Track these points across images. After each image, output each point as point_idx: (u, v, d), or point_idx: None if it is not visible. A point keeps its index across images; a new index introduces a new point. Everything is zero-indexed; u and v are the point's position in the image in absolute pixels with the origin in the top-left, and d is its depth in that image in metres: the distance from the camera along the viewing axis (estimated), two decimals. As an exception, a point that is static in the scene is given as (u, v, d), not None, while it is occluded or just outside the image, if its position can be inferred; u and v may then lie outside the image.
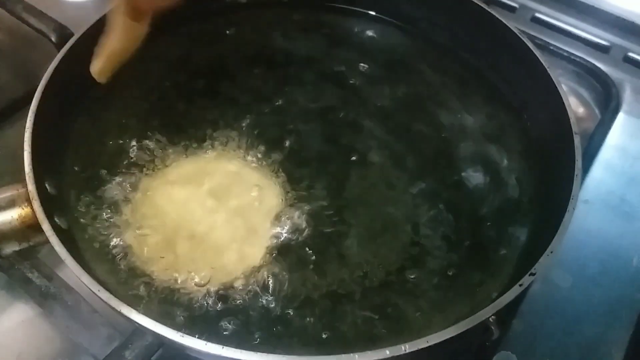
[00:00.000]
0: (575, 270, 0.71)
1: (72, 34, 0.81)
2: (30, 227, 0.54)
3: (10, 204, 0.55)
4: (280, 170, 0.66)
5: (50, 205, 0.56)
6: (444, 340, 0.48)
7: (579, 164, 0.59)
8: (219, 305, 0.56)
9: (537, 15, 1.00)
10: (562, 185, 0.60)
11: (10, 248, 0.56)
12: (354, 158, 0.69)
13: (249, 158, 0.67)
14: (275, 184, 0.65)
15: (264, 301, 0.57)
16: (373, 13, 0.84)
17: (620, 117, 0.87)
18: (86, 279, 0.49)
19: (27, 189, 0.55)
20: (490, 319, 0.51)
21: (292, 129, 0.70)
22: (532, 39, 0.73)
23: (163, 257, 0.59)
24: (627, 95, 0.89)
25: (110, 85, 0.69)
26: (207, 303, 0.56)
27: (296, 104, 0.74)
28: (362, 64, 0.79)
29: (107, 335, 0.60)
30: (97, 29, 0.69)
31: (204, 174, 0.65)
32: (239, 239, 0.60)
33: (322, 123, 0.72)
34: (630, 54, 0.94)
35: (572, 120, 0.63)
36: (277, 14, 0.84)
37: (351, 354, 0.46)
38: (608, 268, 0.72)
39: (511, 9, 1.01)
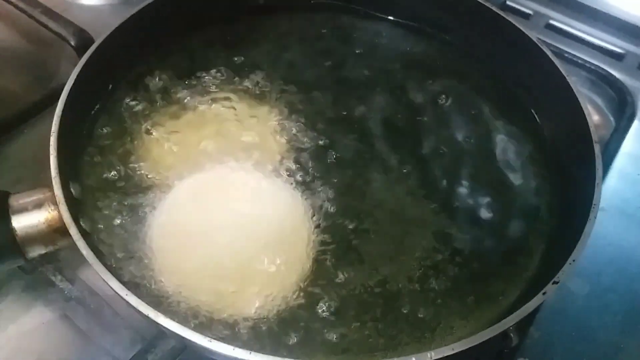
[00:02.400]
0: (592, 278, 0.72)
1: (90, 38, 0.82)
2: (57, 231, 0.55)
3: (36, 208, 0.56)
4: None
5: (75, 208, 0.57)
6: (468, 348, 0.48)
7: (599, 172, 0.60)
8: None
9: (552, 22, 1.00)
10: (582, 193, 0.60)
11: (37, 251, 0.56)
12: (373, 166, 0.69)
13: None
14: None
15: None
16: (391, 18, 0.85)
17: (635, 125, 0.87)
18: (114, 283, 0.50)
19: (53, 193, 0.55)
20: (511, 327, 0.52)
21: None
22: (547, 46, 0.73)
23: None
24: (643, 103, 0.90)
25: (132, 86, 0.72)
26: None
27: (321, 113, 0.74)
28: (381, 69, 0.79)
29: (129, 338, 0.61)
30: (118, 34, 0.71)
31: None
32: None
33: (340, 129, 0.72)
34: (645, 62, 0.95)
35: (592, 129, 0.63)
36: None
37: (377, 362, 0.47)
38: (624, 276, 0.73)
39: (525, 16, 1.01)
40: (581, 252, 0.54)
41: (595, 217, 0.56)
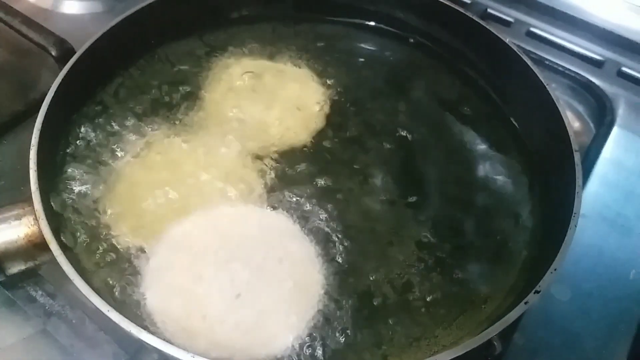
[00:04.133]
0: (574, 284, 0.72)
1: (71, 48, 0.81)
2: (37, 246, 0.55)
3: (16, 223, 0.55)
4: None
5: (56, 223, 0.57)
6: (452, 359, 0.49)
7: (579, 181, 0.61)
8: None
9: (532, 29, 1.01)
10: (563, 201, 0.61)
11: (17, 267, 0.56)
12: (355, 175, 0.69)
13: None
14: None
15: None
16: (372, 24, 0.86)
17: (615, 131, 0.88)
18: (96, 299, 0.49)
19: (33, 207, 0.55)
20: (494, 335, 0.52)
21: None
22: (527, 53, 0.74)
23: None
24: (622, 110, 0.91)
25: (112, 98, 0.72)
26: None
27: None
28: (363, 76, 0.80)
29: (112, 353, 0.60)
30: (100, 44, 0.70)
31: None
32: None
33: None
34: (624, 69, 0.96)
35: (572, 137, 0.64)
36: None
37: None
38: (606, 282, 0.73)
39: (506, 24, 1.02)
40: (562, 261, 0.55)
41: (575, 226, 0.57)
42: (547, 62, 0.94)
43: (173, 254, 0.60)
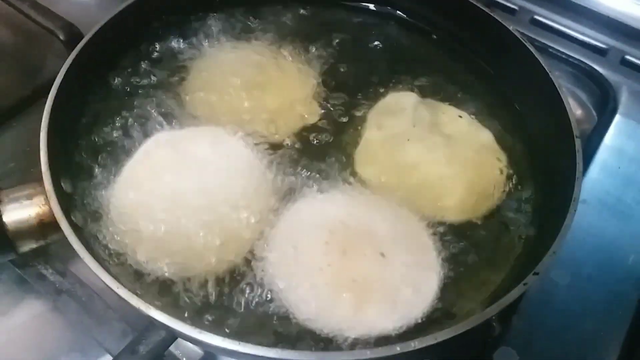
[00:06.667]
0: (573, 269, 0.74)
1: (79, 32, 0.83)
2: (48, 225, 0.56)
3: (27, 203, 0.56)
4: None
5: (66, 203, 0.58)
6: (451, 337, 0.50)
7: (580, 167, 0.61)
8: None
9: (537, 17, 1.01)
10: (563, 187, 0.62)
11: (28, 246, 0.57)
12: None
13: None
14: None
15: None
16: (372, 7, 0.87)
17: (617, 119, 0.89)
18: (105, 277, 0.51)
19: (44, 188, 0.56)
20: (493, 316, 0.53)
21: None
22: (531, 41, 0.74)
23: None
24: (624, 98, 0.92)
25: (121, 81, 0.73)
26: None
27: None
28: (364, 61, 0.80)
29: (120, 330, 0.61)
30: (107, 29, 0.71)
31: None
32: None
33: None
34: (628, 57, 0.96)
35: (574, 124, 0.65)
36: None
37: (363, 350, 0.48)
38: (605, 266, 0.75)
39: (511, 11, 1.03)
40: (561, 244, 0.56)
41: (575, 211, 0.58)
42: (550, 50, 0.95)
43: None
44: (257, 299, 0.58)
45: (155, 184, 0.61)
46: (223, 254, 0.59)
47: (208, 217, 0.60)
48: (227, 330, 0.55)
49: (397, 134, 0.70)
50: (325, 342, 0.55)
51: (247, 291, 0.58)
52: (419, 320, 0.57)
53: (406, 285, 0.58)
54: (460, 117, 0.73)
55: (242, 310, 0.57)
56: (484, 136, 0.72)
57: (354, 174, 0.67)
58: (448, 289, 0.60)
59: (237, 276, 0.59)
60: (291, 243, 0.60)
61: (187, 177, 0.62)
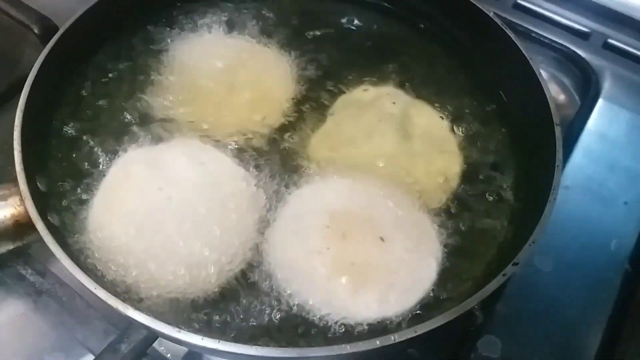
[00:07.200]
0: (556, 255, 0.74)
1: (54, 26, 0.81)
2: (24, 226, 0.55)
3: (2, 204, 0.55)
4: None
5: (42, 203, 0.57)
6: (430, 330, 0.50)
7: (559, 155, 0.61)
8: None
9: (519, 1, 1.01)
10: (543, 175, 0.61)
11: (4, 247, 0.56)
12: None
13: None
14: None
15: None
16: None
17: (600, 103, 0.89)
18: (82, 277, 0.50)
19: (18, 188, 0.55)
20: (475, 306, 0.53)
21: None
22: (514, 25, 0.74)
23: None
24: (607, 82, 0.91)
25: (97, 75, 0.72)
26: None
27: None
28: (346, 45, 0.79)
29: (102, 329, 0.61)
30: (81, 22, 0.70)
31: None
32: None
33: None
34: (610, 41, 0.96)
35: (554, 111, 0.64)
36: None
37: (343, 345, 0.48)
38: (587, 252, 0.75)
39: (493, -5, 1.02)
40: (541, 233, 0.56)
41: (555, 199, 0.58)
42: (533, 35, 0.95)
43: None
44: (256, 283, 0.58)
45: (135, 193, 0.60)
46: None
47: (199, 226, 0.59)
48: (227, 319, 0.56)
49: (359, 126, 0.70)
50: (320, 329, 0.56)
51: (247, 275, 0.59)
52: (415, 305, 0.57)
53: (405, 270, 0.58)
54: (432, 118, 0.72)
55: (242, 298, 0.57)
56: (448, 146, 0.70)
57: (309, 159, 0.67)
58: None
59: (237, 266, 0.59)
60: (291, 227, 0.60)
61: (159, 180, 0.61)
